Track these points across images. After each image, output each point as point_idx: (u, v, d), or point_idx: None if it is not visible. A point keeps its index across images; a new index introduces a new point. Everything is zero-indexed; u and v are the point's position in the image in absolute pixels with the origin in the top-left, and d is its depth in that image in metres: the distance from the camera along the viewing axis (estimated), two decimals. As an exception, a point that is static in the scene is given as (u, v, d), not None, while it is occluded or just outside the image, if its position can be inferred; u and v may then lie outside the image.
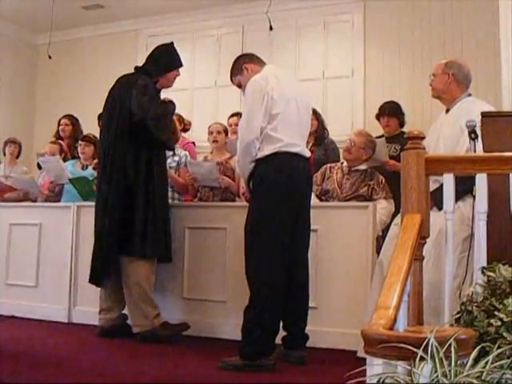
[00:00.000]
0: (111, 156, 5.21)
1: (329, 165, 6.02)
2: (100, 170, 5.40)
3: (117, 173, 5.17)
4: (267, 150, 4.29)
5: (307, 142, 4.88)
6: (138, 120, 5.11)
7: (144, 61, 5.57)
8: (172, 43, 5.58)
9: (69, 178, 6.48)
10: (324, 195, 5.78)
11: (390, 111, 6.77)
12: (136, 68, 5.56)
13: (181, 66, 5.52)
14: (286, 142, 4.31)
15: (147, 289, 5.16)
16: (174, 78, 5.52)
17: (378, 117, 6.92)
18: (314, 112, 5.76)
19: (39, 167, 7.87)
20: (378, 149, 5.98)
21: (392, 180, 5.63)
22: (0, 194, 7.25)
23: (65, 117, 8.01)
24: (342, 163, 5.98)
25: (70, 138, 7.80)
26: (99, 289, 5.32)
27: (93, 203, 5.72)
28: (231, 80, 4.82)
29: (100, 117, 7.20)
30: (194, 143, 7.38)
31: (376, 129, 6.99)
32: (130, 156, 5.17)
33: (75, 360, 4.36)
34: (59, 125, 7.97)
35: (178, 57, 5.52)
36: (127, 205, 5.14)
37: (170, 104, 5.57)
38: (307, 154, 4.55)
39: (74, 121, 7.97)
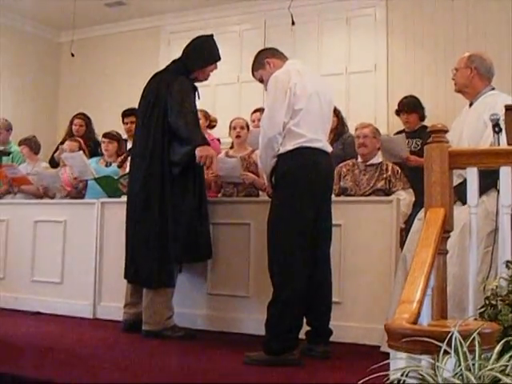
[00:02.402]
0: (147, 161, 5.12)
1: (343, 163, 6.02)
2: (135, 174, 5.29)
3: (157, 175, 5.09)
4: (289, 146, 4.29)
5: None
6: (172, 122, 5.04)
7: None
8: (212, 35, 5.49)
9: (94, 178, 6.52)
10: (342, 193, 5.78)
11: (409, 107, 6.74)
12: (174, 61, 5.46)
13: (219, 59, 5.45)
14: (308, 138, 4.30)
15: (169, 290, 5.13)
16: (211, 72, 5.45)
17: (397, 113, 6.91)
18: (334, 109, 5.75)
19: (52, 165, 7.91)
20: (399, 145, 5.96)
21: (414, 175, 5.62)
22: (15, 182, 7.28)
23: (78, 117, 8.03)
24: (357, 159, 5.98)
25: (82, 137, 7.82)
26: (124, 284, 5.34)
27: (117, 199, 5.74)
28: (253, 74, 4.80)
29: (124, 114, 7.23)
30: (219, 140, 7.36)
31: (400, 123, 6.98)
32: (167, 163, 5.07)
33: (100, 356, 4.38)
34: (71, 124, 7.99)
35: (216, 50, 5.44)
36: (169, 207, 5.07)
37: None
38: (329, 149, 4.55)
39: (87, 121, 8.00)
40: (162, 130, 5.10)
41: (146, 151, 5.16)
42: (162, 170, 5.09)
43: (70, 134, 7.92)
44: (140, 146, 5.27)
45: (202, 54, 5.39)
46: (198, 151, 4.96)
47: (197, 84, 5.40)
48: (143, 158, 5.18)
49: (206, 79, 5.49)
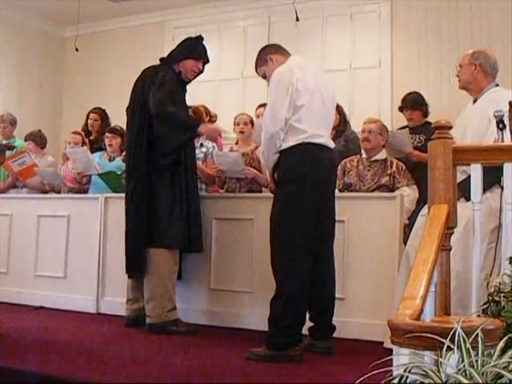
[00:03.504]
0: (135, 149, 5.24)
1: (348, 159, 6.02)
2: (126, 163, 5.45)
3: (142, 166, 5.18)
4: (292, 141, 4.29)
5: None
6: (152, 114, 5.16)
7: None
8: (200, 36, 5.54)
9: (98, 174, 6.53)
10: (346, 189, 5.78)
11: (413, 105, 6.72)
12: (160, 59, 5.55)
13: (201, 59, 5.46)
14: (310, 133, 4.30)
15: (168, 282, 5.17)
16: (193, 71, 5.44)
17: (401, 109, 6.89)
18: (337, 106, 5.75)
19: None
20: (402, 140, 5.95)
21: (417, 171, 5.62)
22: (21, 177, 7.25)
23: (94, 111, 8.04)
24: (361, 155, 5.98)
25: (98, 131, 7.86)
26: (127, 279, 5.36)
27: (120, 194, 5.76)
28: (256, 71, 4.81)
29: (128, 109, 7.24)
30: (220, 135, 7.38)
31: (403, 119, 6.96)
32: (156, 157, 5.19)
33: (103, 350, 4.39)
34: (88, 118, 8.01)
35: (200, 49, 5.47)
36: (153, 197, 5.15)
37: (190, 119, 5.43)
38: (331, 144, 4.54)
39: (103, 116, 8.02)
40: (148, 125, 5.20)
41: (133, 143, 5.28)
42: (149, 163, 5.20)
43: (85, 129, 7.95)
44: (130, 140, 5.37)
45: (181, 49, 5.46)
46: (202, 129, 5.30)
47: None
48: (131, 154, 5.30)
49: (188, 77, 5.48)
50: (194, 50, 5.46)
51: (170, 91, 5.18)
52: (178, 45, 5.55)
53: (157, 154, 5.16)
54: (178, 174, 5.23)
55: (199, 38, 5.53)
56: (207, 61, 5.51)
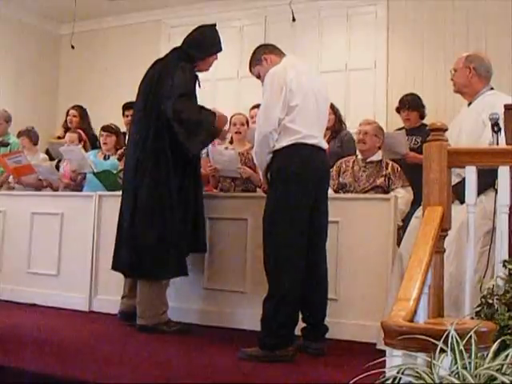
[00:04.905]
0: (147, 148, 5.07)
1: (343, 159, 6.02)
2: (130, 162, 5.26)
3: (152, 168, 5.04)
4: (285, 142, 4.29)
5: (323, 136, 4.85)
6: (169, 119, 4.99)
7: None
8: (214, 25, 5.46)
9: (93, 172, 6.52)
10: (341, 189, 5.78)
11: (410, 105, 6.72)
12: (175, 49, 5.40)
13: (221, 50, 5.42)
14: (303, 134, 4.30)
15: (164, 285, 5.14)
16: (213, 62, 5.44)
17: (398, 110, 6.89)
18: (332, 107, 5.74)
19: (50, 157, 7.91)
20: (399, 141, 5.96)
21: (412, 172, 5.62)
22: (16, 174, 7.22)
23: (74, 108, 8.04)
24: (357, 156, 5.98)
25: (76, 128, 7.81)
26: (121, 277, 5.33)
27: (114, 193, 5.73)
28: (250, 70, 4.81)
29: (125, 107, 7.21)
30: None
31: (398, 120, 6.98)
32: (168, 151, 5.05)
33: (95, 349, 4.39)
34: (67, 115, 8.00)
35: (219, 40, 5.40)
36: (158, 202, 5.03)
37: (208, 115, 5.24)
38: (325, 145, 4.55)
39: (82, 112, 7.99)
40: (165, 122, 5.04)
41: (141, 138, 5.13)
42: (158, 157, 5.06)
43: (65, 126, 7.94)
44: (137, 133, 5.22)
45: (204, 44, 5.36)
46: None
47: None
48: (138, 147, 5.15)
49: (207, 70, 5.47)
50: (215, 44, 5.40)
51: (188, 97, 5.10)
52: (196, 37, 5.39)
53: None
54: (188, 176, 5.18)
55: (214, 28, 5.44)
56: (222, 49, 5.46)
